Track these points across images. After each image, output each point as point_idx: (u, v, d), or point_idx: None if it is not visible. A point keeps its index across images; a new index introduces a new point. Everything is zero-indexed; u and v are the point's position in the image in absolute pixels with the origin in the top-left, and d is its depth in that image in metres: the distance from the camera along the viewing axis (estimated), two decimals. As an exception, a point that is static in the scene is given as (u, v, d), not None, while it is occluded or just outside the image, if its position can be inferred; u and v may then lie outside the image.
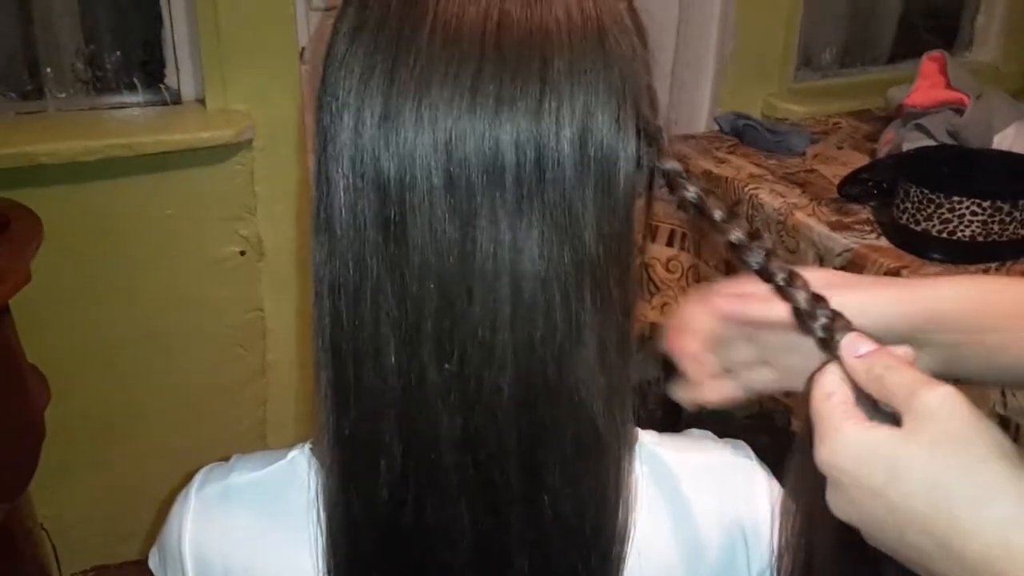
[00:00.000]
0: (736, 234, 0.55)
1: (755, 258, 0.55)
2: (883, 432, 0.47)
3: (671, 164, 0.56)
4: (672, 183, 0.56)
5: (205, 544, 0.66)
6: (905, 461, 0.46)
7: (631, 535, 0.61)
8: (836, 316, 0.53)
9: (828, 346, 0.52)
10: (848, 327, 0.52)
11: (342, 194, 0.54)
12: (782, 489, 0.67)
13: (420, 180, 0.52)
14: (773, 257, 0.55)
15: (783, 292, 0.54)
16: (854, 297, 0.56)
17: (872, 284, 0.60)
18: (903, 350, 0.51)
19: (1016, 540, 0.43)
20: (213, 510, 0.67)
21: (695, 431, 0.73)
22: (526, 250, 0.53)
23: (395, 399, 0.56)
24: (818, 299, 0.53)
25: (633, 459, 0.62)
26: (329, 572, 0.62)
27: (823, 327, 0.52)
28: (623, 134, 0.54)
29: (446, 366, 0.55)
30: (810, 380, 0.53)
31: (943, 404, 0.46)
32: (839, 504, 0.50)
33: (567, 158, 0.53)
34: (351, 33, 0.55)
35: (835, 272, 0.61)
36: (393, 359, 0.55)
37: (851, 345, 0.51)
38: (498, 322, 0.54)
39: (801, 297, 0.54)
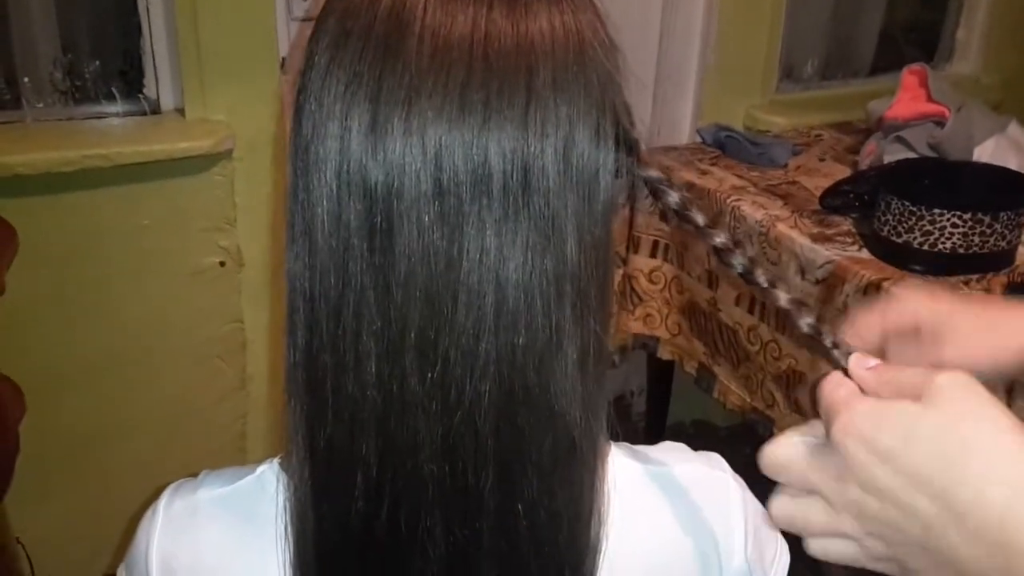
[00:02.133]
0: (720, 239, 0.56)
1: (739, 261, 0.56)
2: (899, 403, 0.48)
3: (653, 172, 0.57)
4: (655, 190, 0.56)
5: (172, 560, 0.65)
6: (920, 428, 0.47)
7: (603, 547, 0.61)
8: (840, 341, 0.55)
9: (837, 361, 0.54)
10: (850, 349, 0.54)
11: (325, 203, 0.54)
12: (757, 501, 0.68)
13: (408, 188, 0.52)
14: (756, 263, 0.57)
15: (830, 353, 0.55)
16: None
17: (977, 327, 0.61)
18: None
19: (1020, 509, 0.44)
20: (181, 525, 0.66)
21: (669, 443, 0.72)
22: (511, 258, 0.53)
23: (374, 409, 0.56)
24: (821, 323, 0.56)
25: (607, 471, 0.62)
26: None
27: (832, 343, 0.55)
28: (603, 144, 0.55)
29: (429, 375, 0.55)
30: (812, 389, 0.54)
31: (956, 383, 0.47)
32: (835, 477, 0.49)
33: (551, 168, 0.53)
34: (335, 42, 0.54)
35: (967, 311, 0.61)
36: (374, 369, 0.55)
37: (860, 360, 0.53)
38: (481, 330, 0.54)
39: (805, 322, 0.56)
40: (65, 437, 1.85)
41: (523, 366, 0.55)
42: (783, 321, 1.65)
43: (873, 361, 0.52)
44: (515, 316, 0.54)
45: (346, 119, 0.53)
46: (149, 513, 0.68)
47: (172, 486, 0.68)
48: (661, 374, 2.25)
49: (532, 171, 0.53)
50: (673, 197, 0.56)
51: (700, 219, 0.56)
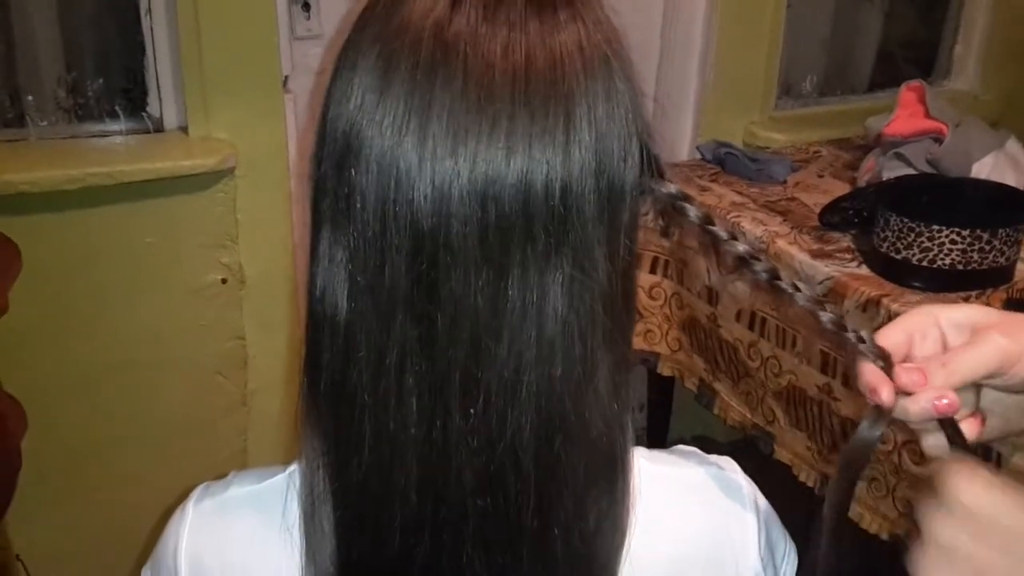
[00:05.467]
0: (743, 247, 0.58)
1: (763, 267, 0.58)
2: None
3: (673, 188, 0.58)
4: (676, 206, 0.58)
5: (202, 556, 0.65)
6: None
7: (627, 552, 0.63)
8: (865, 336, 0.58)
9: (864, 355, 0.58)
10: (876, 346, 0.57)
11: (368, 245, 0.54)
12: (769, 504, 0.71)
13: (456, 232, 0.53)
14: (780, 268, 0.59)
15: (855, 348, 0.58)
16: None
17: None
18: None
19: None
20: (211, 522, 0.66)
21: (683, 447, 0.74)
22: (550, 293, 0.54)
23: (415, 445, 0.56)
24: (883, 351, 0.58)
25: (632, 479, 0.63)
26: None
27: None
28: (630, 167, 0.56)
29: (471, 411, 0.55)
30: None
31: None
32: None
33: (588, 199, 0.54)
34: (378, 87, 0.54)
35: (987, 311, 0.62)
36: (415, 407, 0.56)
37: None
38: (523, 364, 0.55)
39: (827, 318, 0.58)
40: (66, 453, 1.85)
41: (561, 395, 0.56)
42: (783, 337, 1.66)
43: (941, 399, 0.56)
44: (552, 348, 0.55)
45: (393, 166, 0.53)
46: (178, 511, 0.68)
47: (202, 485, 0.69)
48: (662, 390, 2.26)
49: (571, 206, 0.54)
50: (693, 211, 0.58)
51: (723, 232, 0.58)
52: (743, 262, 0.58)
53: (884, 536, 1.50)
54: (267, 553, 0.64)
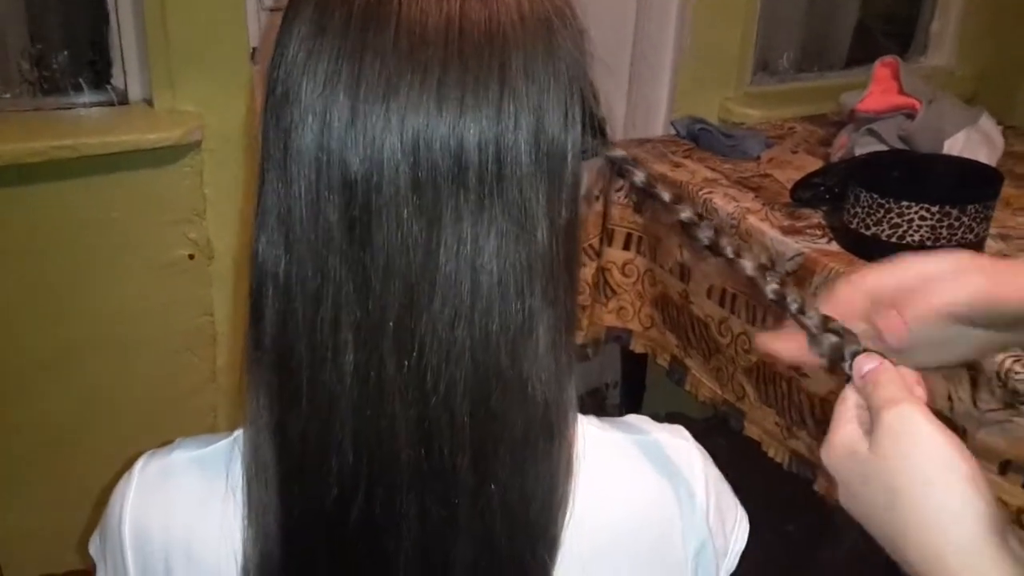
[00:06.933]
0: (686, 212, 0.58)
1: (705, 233, 0.58)
2: (862, 443, 0.53)
3: (618, 152, 0.59)
4: (621, 169, 0.59)
5: (145, 520, 0.65)
6: (869, 471, 0.52)
7: (570, 515, 0.63)
8: (846, 334, 0.57)
9: (836, 366, 0.58)
10: (856, 344, 0.57)
11: (303, 195, 0.55)
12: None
13: (387, 182, 0.53)
14: (722, 234, 0.59)
15: (796, 317, 0.58)
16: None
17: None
18: (910, 372, 0.56)
19: (946, 549, 0.48)
20: (154, 486, 0.66)
21: (634, 415, 0.74)
22: (486, 247, 0.55)
23: (351, 397, 0.57)
24: (827, 319, 0.58)
25: (576, 442, 0.63)
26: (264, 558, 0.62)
27: (831, 347, 0.57)
28: (571, 128, 0.57)
29: (406, 362, 0.56)
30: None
31: (897, 422, 0.51)
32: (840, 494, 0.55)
33: (524, 155, 0.55)
34: (312, 37, 0.55)
35: (969, 256, 0.63)
36: (351, 358, 0.56)
37: (859, 365, 0.56)
38: (457, 317, 0.55)
39: (770, 288, 0.58)
40: (33, 431, 1.84)
41: (497, 350, 0.56)
42: (754, 314, 1.65)
43: (870, 365, 0.55)
44: (489, 302, 0.56)
45: (326, 114, 0.54)
46: (124, 478, 0.68)
47: (148, 452, 0.69)
48: (635, 367, 2.26)
49: (506, 160, 0.54)
50: (639, 175, 0.58)
51: (666, 195, 0.58)
52: (685, 227, 0.57)
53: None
54: (210, 516, 0.64)
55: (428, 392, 0.56)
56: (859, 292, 0.62)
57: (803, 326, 0.56)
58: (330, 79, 0.54)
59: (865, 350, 0.56)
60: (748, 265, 0.57)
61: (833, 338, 0.57)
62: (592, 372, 2.51)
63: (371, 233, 0.54)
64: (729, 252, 0.58)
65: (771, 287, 0.57)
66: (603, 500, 0.66)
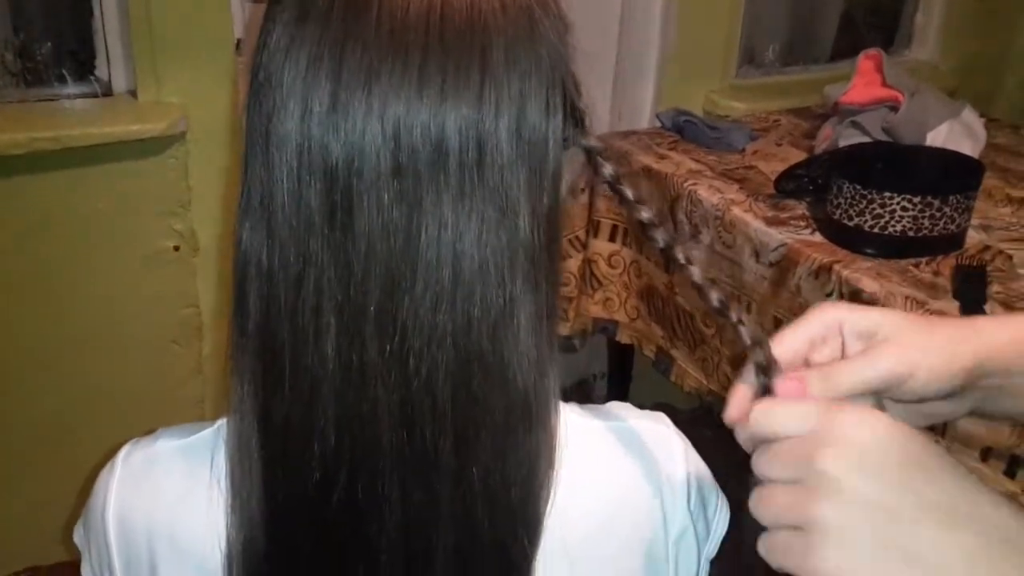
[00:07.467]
0: (646, 213, 0.58)
1: (661, 236, 0.58)
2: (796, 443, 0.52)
3: (593, 142, 0.59)
4: (592, 160, 0.59)
5: (129, 510, 0.66)
6: None
7: (552, 501, 0.63)
8: (770, 359, 0.56)
9: (742, 338, 0.56)
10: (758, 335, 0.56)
11: (285, 181, 0.55)
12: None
13: (368, 167, 0.54)
14: (676, 241, 0.59)
15: (735, 328, 0.57)
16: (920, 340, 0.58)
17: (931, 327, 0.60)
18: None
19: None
20: (138, 475, 0.67)
21: (616, 402, 0.75)
22: (467, 232, 0.55)
23: (333, 381, 0.57)
24: (762, 338, 0.57)
25: (558, 429, 0.64)
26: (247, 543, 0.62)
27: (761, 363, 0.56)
28: (552, 117, 0.57)
29: (387, 347, 0.56)
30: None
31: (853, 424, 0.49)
32: None
33: (505, 143, 0.55)
34: (295, 23, 0.55)
35: (904, 315, 0.61)
36: (334, 342, 0.56)
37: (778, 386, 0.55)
38: (439, 302, 0.56)
39: (715, 297, 0.57)
40: (20, 425, 1.83)
41: (478, 335, 0.57)
42: (738, 304, 1.66)
43: (792, 385, 0.55)
44: (471, 287, 0.56)
45: (307, 99, 0.54)
46: (107, 467, 0.68)
47: (131, 441, 0.69)
48: (621, 358, 2.26)
49: (487, 147, 0.55)
50: (608, 169, 0.58)
51: (629, 193, 0.58)
52: (642, 227, 0.58)
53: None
54: (195, 504, 0.64)
55: (410, 376, 0.57)
56: (798, 340, 0.60)
57: (739, 336, 0.56)
58: (312, 65, 0.54)
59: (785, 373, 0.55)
60: (696, 272, 0.58)
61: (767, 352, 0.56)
62: (579, 363, 2.52)
63: (352, 218, 0.54)
64: (681, 258, 0.58)
65: (715, 295, 0.57)
66: (585, 487, 0.67)
